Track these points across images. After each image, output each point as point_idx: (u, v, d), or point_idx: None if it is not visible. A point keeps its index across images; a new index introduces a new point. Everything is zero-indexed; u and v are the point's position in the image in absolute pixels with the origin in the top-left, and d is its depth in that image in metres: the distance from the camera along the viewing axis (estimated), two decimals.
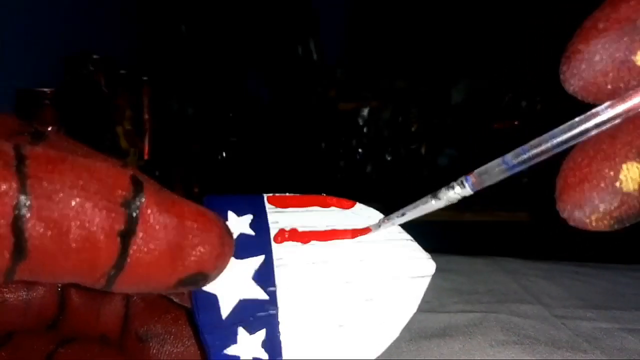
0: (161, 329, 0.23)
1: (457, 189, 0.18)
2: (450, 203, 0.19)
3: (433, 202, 0.19)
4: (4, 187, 0.14)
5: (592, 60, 0.15)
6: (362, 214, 0.22)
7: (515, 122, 1.45)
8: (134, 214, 0.16)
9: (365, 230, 0.21)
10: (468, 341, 0.36)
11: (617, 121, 0.15)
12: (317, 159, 1.50)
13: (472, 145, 1.43)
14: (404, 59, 1.55)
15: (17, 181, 0.14)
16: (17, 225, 0.14)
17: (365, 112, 1.53)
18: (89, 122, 0.91)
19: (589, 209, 0.15)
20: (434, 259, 0.21)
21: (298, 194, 0.23)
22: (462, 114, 1.50)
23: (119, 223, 0.15)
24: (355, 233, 0.21)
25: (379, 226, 0.21)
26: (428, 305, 0.40)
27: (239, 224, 0.21)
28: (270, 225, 0.21)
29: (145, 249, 0.16)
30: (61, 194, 0.15)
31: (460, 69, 1.52)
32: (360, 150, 1.54)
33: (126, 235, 0.15)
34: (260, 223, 0.21)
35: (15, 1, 0.83)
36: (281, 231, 0.21)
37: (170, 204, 0.17)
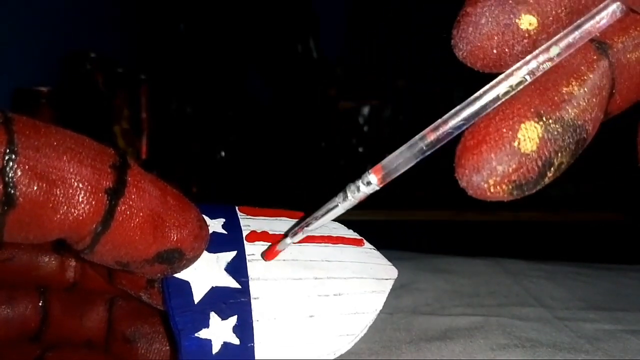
0: (149, 329, 0.23)
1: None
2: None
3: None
4: None
5: (478, 23, 0.15)
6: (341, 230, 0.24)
7: None
8: (122, 177, 0.16)
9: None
10: (469, 344, 0.35)
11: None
12: (317, 158, 1.50)
13: None
14: (404, 57, 1.55)
15: (5, 133, 0.14)
16: (4, 172, 0.14)
17: (366, 110, 1.53)
18: (87, 121, 0.91)
19: (487, 172, 0.15)
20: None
21: (268, 209, 0.24)
22: None
23: (106, 180, 0.16)
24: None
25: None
26: (429, 307, 0.40)
27: (212, 225, 0.21)
28: (242, 229, 0.22)
29: (130, 212, 0.16)
30: (48, 149, 0.15)
31: (462, 67, 1.52)
32: (360, 149, 1.54)
33: (114, 195, 0.16)
34: (232, 225, 0.22)
35: (13, 0, 0.83)
36: (253, 232, 0.22)
37: (155, 178, 0.18)
